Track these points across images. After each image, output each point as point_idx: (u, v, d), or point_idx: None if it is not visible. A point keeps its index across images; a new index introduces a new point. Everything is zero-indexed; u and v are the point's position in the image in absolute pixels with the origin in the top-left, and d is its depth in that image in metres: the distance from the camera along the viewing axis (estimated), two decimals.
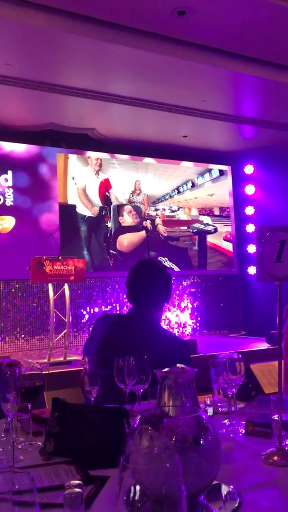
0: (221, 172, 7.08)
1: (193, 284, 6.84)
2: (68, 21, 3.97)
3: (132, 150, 6.53)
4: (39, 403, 1.53)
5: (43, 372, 4.27)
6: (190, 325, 6.68)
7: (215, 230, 6.95)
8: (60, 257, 4.54)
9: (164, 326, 6.42)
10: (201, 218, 6.94)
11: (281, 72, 5.01)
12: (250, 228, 6.93)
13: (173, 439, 1.00)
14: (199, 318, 6.78)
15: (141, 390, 1.56)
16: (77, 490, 0.89)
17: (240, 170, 7.15)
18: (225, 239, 6.98)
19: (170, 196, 6.74)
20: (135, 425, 1.05)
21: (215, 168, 7.11)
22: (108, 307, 6.09)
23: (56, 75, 4.75)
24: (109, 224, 6.33)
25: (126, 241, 6.32)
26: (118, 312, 5.92)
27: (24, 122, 5.59)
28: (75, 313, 5.87)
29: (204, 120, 5.77)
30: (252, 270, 6.86)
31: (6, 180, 5.71)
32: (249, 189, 7.08)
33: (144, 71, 4.70)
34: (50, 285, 4.52)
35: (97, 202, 6.29)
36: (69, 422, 1.32)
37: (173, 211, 6.77)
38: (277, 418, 1.30)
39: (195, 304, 6.77)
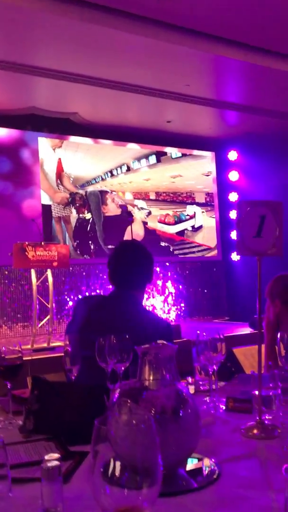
0: (158, 159, 6.88)
1: (177, 270, 6.85)
2: (49, 1, 3.88)
3: (116, 135, 6.47)
4: (18, 382, 1.52)
5: (27, 358, 4.22)
6: (174, 311, 6.71)
7: (149, 213, 6.76)
8: (42, 243, 4.50)
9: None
10: (136, 202, 6.75)
11: (266, 57, 4.98)
12: (234, 214, 6.95)
13: (152, 411, 1.00)
14: (182, 304, 6.81)
15: (122, 369, 1.55)
16: (55, 462, 0.88)
17: (224, 156, 7.14)
18: (160, 222, 6.78)
19: (102, 179, 6.47)
20: (114, 399, 1.04)
21: (173, 151, 6.94)
22: (92, 293, 6.07)
23: (37, 56, 4.66)
24: (87, 216, 6.23)
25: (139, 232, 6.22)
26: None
27: (5, 106, 5.49)
28: (59, 300, 5.84)
29: (188, 105, 5.74)
30: (235, 256, 6.89)
31: None
32: (233, 176, 7.08)
33: (127, 54, 4.63)
34: (33, 271, 4.48)
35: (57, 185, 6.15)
36: (49, 400, 1.31)
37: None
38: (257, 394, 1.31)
39: (179, 290, 6.79)
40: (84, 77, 5.08)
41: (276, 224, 1.22)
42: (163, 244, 6.75)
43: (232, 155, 7.07)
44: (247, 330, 5.25)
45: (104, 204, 6.36)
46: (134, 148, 6.72)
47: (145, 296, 6.43)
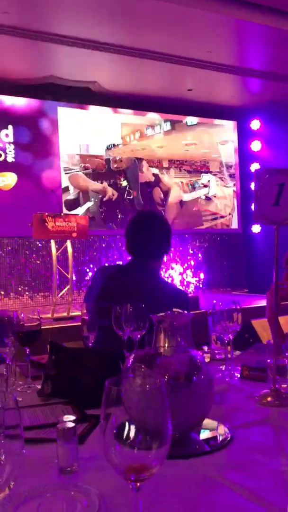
0: (173, 126, 6.73)
1: (197, 242, 6.82)
2: None
3: (136, 104, 6.37)
4: (38, 348, 1.56)
5: (47, 327, 4.29)
6: (193, 283, 6.72)
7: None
8: (62, 214, 4.51)
9: None
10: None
11: None
12: None
13: (166, 376, 1.01)
14: (202, 276, 6.80)
15: (138, 336, 1.57)
16: (70, 424, 0.90)
17: (246, 125, 6.97)
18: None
19: (114, 146, 6.38)
20: (129, 364, 1.06)
21: (193, 120, 6.81)
22: (109, 263, 6.11)
23: (55, 23, 4.58)
24: (123, 183, 6.21)
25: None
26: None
27: (24, 75, 5.44)
28: (79, 271, 5.90)
29: (209, 72, 5.59)
30: (256, 228, 6.81)
31: (7, 135, 5.61)
32: (255, 146, 6.93)
33: (147, 20, 4.51)
34: (52, 242, 4.52)
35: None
36: (66, 365, 1.34)
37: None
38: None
39: (198, 262, 6.78)
40: (104, 44, 4.99)
41: None
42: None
43: (255, 124, 6.90)
44: (265, 302, 5.24)
45: (140, 172, 6.31)
46: (152, 117, 6.61)
47: (163, 267, 6.48)
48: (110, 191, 6.16)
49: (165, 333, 1.28)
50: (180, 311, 1.34)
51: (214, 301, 1.60)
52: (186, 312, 1.74)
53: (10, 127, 5.63)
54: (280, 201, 1.20)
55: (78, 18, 4.48)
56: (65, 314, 4.55)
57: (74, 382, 1.31)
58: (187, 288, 6.66)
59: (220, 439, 1.04)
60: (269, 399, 1.24)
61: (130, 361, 1.05)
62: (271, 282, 3.32)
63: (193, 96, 6.32)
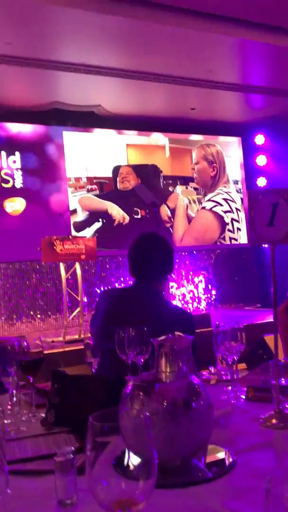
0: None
1: (207, 258, 6.81)
2: None
3: (140, 125, 6.45)
4: (41, 376, 1.56)
5: (59, 350, 4.29)
6: (204, 300, 6.68)
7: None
8: (70, 236, 4.55)
9: (179, 301, 6.44)
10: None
11: None
12: None
13: (165, 403, 1.01)
14: (213, 292, 6.77)
15: (142, 360, 1.56)
16: (68, 455, 0.90)
17: (250, 141, 7.01)
18: None
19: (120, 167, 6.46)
20: (128, 391, 1.05)
21: (198, 138, 6.88)
22: (122, 284, 6.12)
23: (56, 51, 4.69)
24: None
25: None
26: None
27: (28, 102, 5.56)
28: (90, 292, 5.91)
29: (211, 91, 5.65)
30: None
31: (14, 162, 5.71)
32: (261, 160, 6.95)
33: (147, 43, 4.60)
34: (61, 265, 4.55)
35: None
36: (68, 393, 1.34)
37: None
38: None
39: (208, 279, 6.75)
40: (106, 69, 5.08)
41: None
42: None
43: (259, 139, 6.94)
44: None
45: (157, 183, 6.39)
46: (157, 137, 6.68)
47: (175, 285, 6.48)
48: (121, 216, 6.22)
49: (166, 357, 1.28)
50: (181, 334, 1.34)
51: (217, 322, 1.59)
52: (190, 333, 1.74)
53: (17, 153, 5.73)
54: (275, 221, 1.20)
55: (79, 45, 4.58)
56: (76, 336, 4.56)
57: (77, 410, 1.31)
58: (198, 305, 6.63)
59: (222, 464, 1.02)
60: (273, 421, 1.22)
61: (129, 388, 1.05)
62: (283, 297, 3.28)
63: (197, 115, 6.38)
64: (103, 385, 1.35)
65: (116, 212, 6.23)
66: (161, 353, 1.30)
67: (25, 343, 1.49)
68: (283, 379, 1.34)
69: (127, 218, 6.26)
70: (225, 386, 1.62)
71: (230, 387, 1.56)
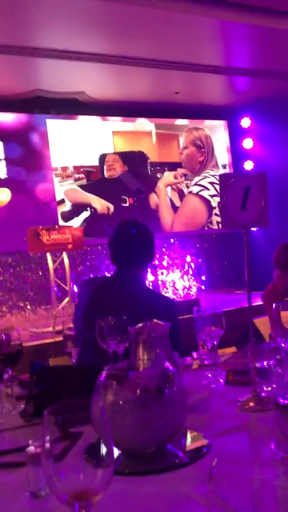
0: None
1: (195, 244, 6.81)
2: None
3: (125, 111, 6.37)
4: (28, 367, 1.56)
5: (49, 341, 4.28)
6: (195, 285, 6.70)
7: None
8: (56, 226, 4.52)
9: (169, 288, 6.45)
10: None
11: (273, 17, 4.78)
12: None
13: (137, 391, 1.01)
14: (203, 278, 6.79)
15: (122, 349, 1.56)
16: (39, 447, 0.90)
17: (236, 124, 6.96)
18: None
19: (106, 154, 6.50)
20: (101, 381, 1.05)
21: (183, 123, 6.81)
22: (111, 272, 6.10)
23: (37, 38, 4.60)
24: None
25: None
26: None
27: (10, 90, 5.47)
28: (79, 281, 5.89)
29: (195, 74, 5.58)
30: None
31: None
32: (247, 143, 6.91)
33: (127, 26, 4.52)
34: (48, 255, 4.52)
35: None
36: (47, 384, 1.33)
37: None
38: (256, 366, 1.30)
39: (198, 264, 6.76)
40: (87, 54, 5.00)
41: (260, 195, 1.19)
42: None
43: (245, 122, 6.89)
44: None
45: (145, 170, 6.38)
46: (143, 122, 6.62)
47: (164, 272, 6.48)
48: (104, 207, 6.18)
49: (144, 345, 1.28)
50: (158, 321, 1.34)
51: (195, 308, 1.59)
52: (172, 319, 1.74)
53: (0, 143, 5.65)
54: (247, 205, 1.19)
55: (59, 30, 4.50)
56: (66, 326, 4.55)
57: (56, 400, 1.31)
58: (189, 291, 6.65)
59: (197, 449, 1.03)
60: (251, 404, 1.23)
61: (102, 377, 1.05)
62: (269, 280, 3.27)
63: (181, 99, 6.31)
64: (82, 375, 1.35)
65: (99, 204, 6.19)
66: (138, 340, 1.30)
67: (3, 336, 1.48)
68: (265, 362, 1.34)
69: (112, 207, 6.22)
70: (206, 371, 1.62)
71: (213, 371, 1.57)
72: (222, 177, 1.22)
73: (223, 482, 0.87)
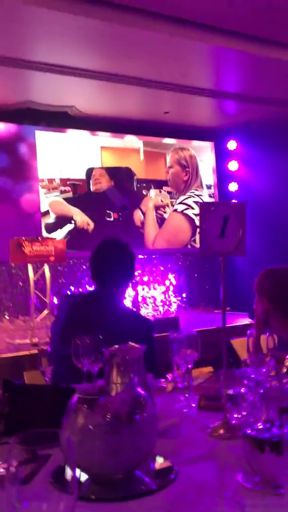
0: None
1: (177, 261, 6.85)
2: None
3: (114, 127, 6.44)
4: (14, 376, 1.54)
5: (25, 353, 4.22)
6: (175, 302, 6.72)
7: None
8: (39, 238, 4.51)
9: (149, 304, 6.46)
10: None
11: (264, 46, 4.91)
12: None
13: (108, 416, 1.01)
14: (184, 295, 6.81)
15: (96, 369, 1.56)
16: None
17: (223, 146, 7.08)
18: None
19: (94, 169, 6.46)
20: (72, 404, 1.05)
21: (171, 142, 6.90)
22: (92, 286, 6.09)
23: (31, 51, 4.64)
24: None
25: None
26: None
27: (1, 100, 5.48)
28: (60, 294, 5.87)
29: (185, 95, 5.68)
30: None
31: None
32: (233, 165, 7.03)
33: (122, 46, 4.59)
34: (30, 266, 4.50)
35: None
36: (19, 403, 1.32)
37: None
38: (227, 392, 1.32)
39: (179, 281, 6.79)
40: (80, 70, 5.05)
41: (239, 225, 1.22)
42: None
43: (232, 145, 7.01)
44: (246, 321, 5.25)
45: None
46: (131, 139, 6.69)
47: (146, 288, 6.49)
48: (85, 223, 6.19)
49: (118, 368, 1.28)
50: (133, 344, 1.34)
51: (170, 332, 1.60)
52: (148, 340, 1.74)
53: None
54: (225, 233, 1.22)
55: (54, 45, 4.54)
56: (46, 339, 4.51)
57: (28, 419, 1.30)
58: (169, 308, 6.66)
59: (164, 476, 1.03)
60: (221, 431, 1.24)
61: (74, 400, 1.05)
62: (252, 301, 3.28)
63: (170, 119, 6.40)
64: (54, 395, 1.34)
65: (80, 218, 6.19)
66: (112, 363, 1.30)
67: None
68: (242, 389, 1.35)
69: (92, 224, 6.23)
70: (180, 394, 1.63)
71: (185, 395, 1.58)
72: (202, 205, 1.24)
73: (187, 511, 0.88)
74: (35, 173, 5.94)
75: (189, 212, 6.87)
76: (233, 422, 1.26)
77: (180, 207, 6.86)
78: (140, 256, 6.11)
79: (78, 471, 1.04)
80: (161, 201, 6.76)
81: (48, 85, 5.25)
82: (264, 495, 0.91)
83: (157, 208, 6.75)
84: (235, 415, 1.29)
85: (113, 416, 0.99)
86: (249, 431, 0.95)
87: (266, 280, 2.30)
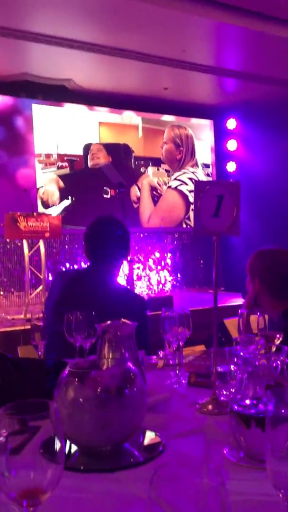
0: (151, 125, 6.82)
1: (173, 240, 6.85)
2: None
3: (112, 102, 6.34)
4: (10, 352, 1.56)
5: (19, 328, 4.26)
6: (170, 282, 6.75)
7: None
8: (34, 213, 4.49)
9: (144, 283, 6.48)
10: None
11: (265, 22, 4.81)
12: None
13: (98, 390, 1.02)
14: (179, 275, 6.84)
15: (89, 344, 1.58)
16: None
17: (222, 124, 7.00)
18: None
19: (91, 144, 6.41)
20: (63, 377, 1.07)
21: (170, 119, 6.83)
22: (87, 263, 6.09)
23: (28, 21, 4.53)
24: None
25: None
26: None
27: None
28: (55, 270, 5.87)
29: (184, 71, 5.59)
30: None
31: None
32: (231, 145, 6.97)
33: (122, 19, 4.49)
34: (25, 242, 4.49)
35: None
36: (10, 375, 1.34)
37: None
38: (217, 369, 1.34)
39: (175, 261, 6.81)
40: (78, 43, 4.95)
41: (233, 204, 1.21)
42: None
43: (231, 124, 6.94)
44: (240, 301, 5.28)
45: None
46: (130, 115, 6.61)
47: (141, 266, 6.50)
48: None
49: (109, 343, 1.30)
50: (126, 321, 1.36)
51: (163, 308, 1.61)
52: (141, 317, 1.75)
53: None
54: (219, 212, 1.22)
55: (51, 16, 4.44)
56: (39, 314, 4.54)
57: (19, 392, 1.32)
58: (164, 287, 6.69)
59: (151, 449, 1.05)
60: (209, 407, 1.26)
61: (65, 374, 1.06)
62: (243, 282, 3.29)
63: (169, 95, 6.32)
64: (44, 369, 1.36)
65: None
66: (104, 338, 1.31)
67: None
68: (232, 366, 1.37)
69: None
70: (171, 371, 1.65)
71: (176, 372, 1.60)
72: (197, 184, 1.24)
73: (170, 484, 0.90)
74: (32, 147, 5.87)
75: (183, 188, 6.83)
76: (222, 398, 1.28)
77: (174, 183, 6.82)
78: (135, 235, 6.11)
79: (68, 442, 1.06)
80: (158, 181, 6.71)
81: (45, 57, 5.15)
82: (249, 469, 0.93)
83: (153, 188, 6.71)
84: (224, 392, 1.31)
85: (103, 390, 1.00)
86: (236, 407, 0.97)
87: (257, 261, 2.31)
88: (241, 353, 1.08)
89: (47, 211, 5.74)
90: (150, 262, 6.60)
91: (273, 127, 6.47)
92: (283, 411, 0.67)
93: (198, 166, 6.97)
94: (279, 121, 6.41)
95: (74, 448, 1.05)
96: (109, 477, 0.92)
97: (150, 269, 6.58)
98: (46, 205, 5.94)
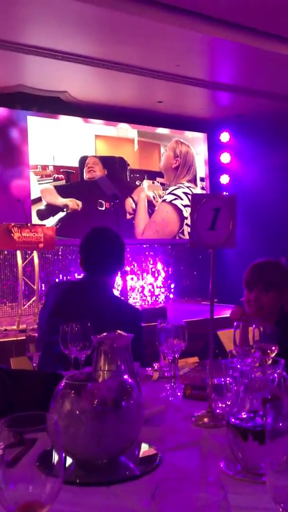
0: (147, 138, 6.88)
1: (166, 252, 6.86)
2: None
3: (107, 115, 6.39)
4: (4, 363, 1.54)
5: (12, 339, 4.24)
6: (163, 293, 6.75)
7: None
8: (28, 224, 4.49)
9: (137, 294, 6.47)
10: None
11: (259, 38, 4.89)
12: None
13: (94, 403, 1.02)
14: (172, 286, 6.84)
15: (84, 356, 1.57)
16: None
17: (215, 137, 7.07)
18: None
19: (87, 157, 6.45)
20: (59, 389, 1.06)
21: (164, 131, 6.87)
22: (81, 274, 6.08)
23: (24, 34, 4.57)
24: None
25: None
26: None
27: None
28: (48, 281, 5.85)
29: (179, 85, 5.65)
30: None
31: None
32: (225, 157, 7.03)
33: (117, 32, 4.54)
34: (18, 253, 4.48)
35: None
36: (5, 387, 1.33)
37: None
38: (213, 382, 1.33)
39: (168, 272, 6.82)
40: (73, 55, 5.00)
41: (229, 217, 1.22)
42: None
43: (224, 137, 7.01)
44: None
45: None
46: (124, 127, 6.65)
47: (134, 277, 6.50)
48: (74, 204, 6.16)
49: (105, 355, 1.30)
50: (122, 332, 1.35)
51: (158, 322, 1.62)
52: (136, 329, 1.75)
53: None
54: (216, 225, 1.23)
55: (47, 29, 4.48)
56: (34, 326, 4.51)
57: (14, 404, 1.31)
58: (157, 298, 6.69)
59: (148, 463, 1.05)
60: (205, 420, 1.26)
61: (61, 386, 1.06)
62: (239, 293, 3.31)
63: (164, 108, 6.38)
64: (40, 380, 1.35)
65: (72, 202, 6.17)
66: (100, 350, 1.31)
67: None
68: (228, 379, 1.37)
69: (80, 203, 6.20)
70: (166, 383, 1.65)
71: (171, 384, 1.59)
72: (194, 197, 1.25)
73: (167, 498, 0.89)
74: (26, 158, 5.89)
75: (178, 202, 6.86)
76: (218, 411, 1.28)
77: (169, 198, 6.86)
78: (129, 246, 6.12)
79: (63, 455, 1.05)
80: (153, 195, 6.75)
81: (40, 69, 5.19)
82: (246, 483, 0.93)
83: (149, 202, 6.73)
84: (220, 405, 1.31)
85: (100, 403, 1.00)
86: (233, 420, 0.97)
87: (278, 272, 2.27)
88: (238, 366, 1.09)
89: (43, 222, 5.75)
90: (144, 273, 6.60)
91: (265, 140, 6.55)
92: (281, 424, 0.67)
93: (196, 185, 7.00)
94: (272, 134, 6.50)
95: (69, 460, 1.05)
96: (105, 490, 0.92)
97: (144, 280, 6.58)
98: (47, 210, 5.96)
